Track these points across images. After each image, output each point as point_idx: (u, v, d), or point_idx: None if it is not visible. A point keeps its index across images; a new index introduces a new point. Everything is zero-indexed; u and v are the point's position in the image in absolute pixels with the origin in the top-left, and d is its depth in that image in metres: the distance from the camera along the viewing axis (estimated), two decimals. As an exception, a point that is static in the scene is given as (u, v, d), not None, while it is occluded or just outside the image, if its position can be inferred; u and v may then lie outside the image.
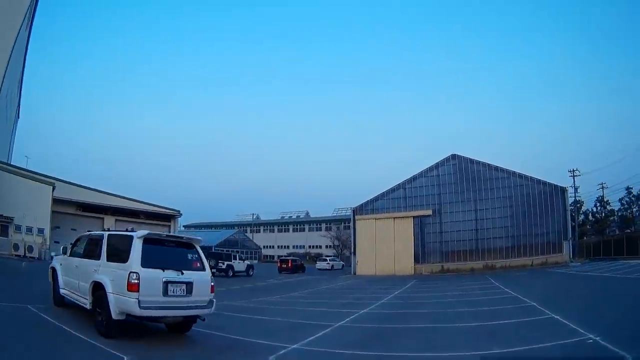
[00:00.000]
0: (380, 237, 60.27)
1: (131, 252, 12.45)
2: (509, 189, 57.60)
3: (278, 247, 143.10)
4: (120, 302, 11.87)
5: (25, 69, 70.71)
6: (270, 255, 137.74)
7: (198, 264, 13.84)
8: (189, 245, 14.30)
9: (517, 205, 56.86)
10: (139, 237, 12.83)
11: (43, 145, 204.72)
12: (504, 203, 57.46)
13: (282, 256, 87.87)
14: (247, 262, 59.60)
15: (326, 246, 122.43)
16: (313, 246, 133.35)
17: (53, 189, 47.07)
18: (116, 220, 61.33)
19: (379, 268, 58.73)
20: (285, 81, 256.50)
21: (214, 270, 45.74)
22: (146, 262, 12.31)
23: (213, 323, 14.95)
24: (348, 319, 18.14)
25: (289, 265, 69.79)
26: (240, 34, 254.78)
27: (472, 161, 60.49)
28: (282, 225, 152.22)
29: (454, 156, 61.75)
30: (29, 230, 44.50)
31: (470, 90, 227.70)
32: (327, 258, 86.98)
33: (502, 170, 58.92)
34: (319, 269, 77.83)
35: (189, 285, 12.83)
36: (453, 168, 60.89)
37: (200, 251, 14.27)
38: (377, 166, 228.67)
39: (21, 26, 44.40)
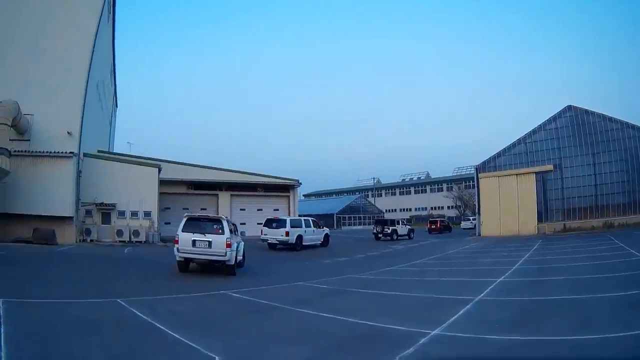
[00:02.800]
0: (503, 196, 57.65)
1: (180, 224, 22.15)
2: (625, 140, 54.07)
3: (400, 210, 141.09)
4: (175, 251, 21.87)
5: (116, 59, 71.32)
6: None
7: (220, 231, 21.67)
8: (215, 220, 22.74)
9: (633, 158, 53.27)
10: (184, 217, 22.74)
11: (151, 130, 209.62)
12: (620, 156, 54.03)
13: (432, 217, 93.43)
14: (408, 226, 63.04)
15: (448, 207, 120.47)
16: (435, 207, 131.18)
17: (159, 170, 46.58)
18: (231, 195, 61.13)
19: (503, 228, 56.45)
20: (401, 40, 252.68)
21: (380, 235, 56.37)
22: (184, 229, 21.70)
23: (338, 304, 15.15)
24: (486, 291, 16.39)
25: (437, 225, 75.39)
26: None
27: (587, 112, 57.19)
28: (403, 187, 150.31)
29: (569, 107, 58.66)
30: (134, 214, 44.15)
31: (584, 36, 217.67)
32: (470, 218, 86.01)
33: (618, 121, 55.30)
34: (464, 229, 79.58)
35: (209, 242, 21.30)
36: (570, 120, 57.71)
37: (225, 222, 22.16)
38: (496, 123, 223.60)
39: (101, 15, 44.28)
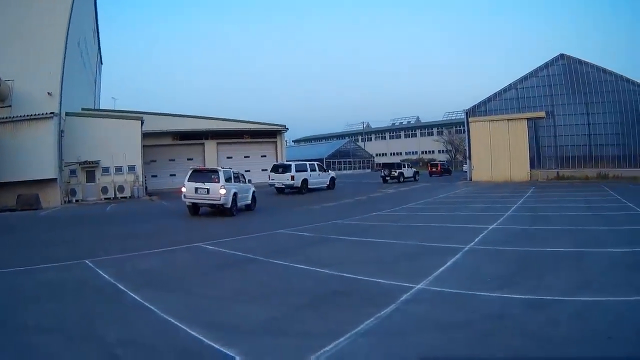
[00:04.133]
0: (494, 141, 55.76)
1: (186, 175, 26.32)
2: (618, 93, 52.27)
3: (390, 154, 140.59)
4: (183, 197, 26.06)
5: (98, 16, 69.87)
6: (383, 163, 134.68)
7: (216, 180, 24.84)
8: (214, 171, 26.12)
9: (627, 112, 51.68)
10: (190, 169, 27.33)
11: (137, 84, 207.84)
12: (614, 108, 52.42)
13: (432, 161, 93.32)
14: (413, 169, 65.78)
15: (439, 151, 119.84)
16: (425, 151, 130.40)
17: (142, 123, 45.41)
18: (218, 143, 60.16)
19: (495, 174, 54.93)
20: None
21: (387, 177, 59.07)
22: (189, 179, 25.60)
23: (318, 253, 14.33)
24: (477, 240, 15.19)
25: (438, 168, 78.25)
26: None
27: (580, 62, 55.16)
28: (393, 131, 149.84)
29: (562, 56, 56.50)
30: (119, 170, 43.29)
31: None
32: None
33: (612, 73, 53.30)
34: (465, 171, 77.22)
35: (207, 189, 24.92)
36: (562, 68, 55.76)
37: (220, 173, 25.36)
38: (488, 70, 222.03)
39: None
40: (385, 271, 11.26)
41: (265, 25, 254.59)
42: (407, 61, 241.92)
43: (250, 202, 28.81)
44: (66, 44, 40.54)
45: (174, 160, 57.88)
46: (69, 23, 40.84)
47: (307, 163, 46.02)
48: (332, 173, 49.92)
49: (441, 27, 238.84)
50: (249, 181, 31.10)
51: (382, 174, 60.86)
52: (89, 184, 42.24)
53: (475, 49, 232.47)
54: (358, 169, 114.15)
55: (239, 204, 26.87)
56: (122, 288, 10.37)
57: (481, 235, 16.24)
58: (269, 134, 63.84)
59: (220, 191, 24.64)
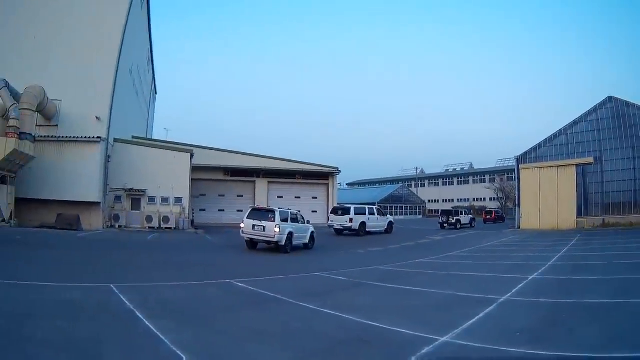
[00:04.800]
0: (543, 188, 55.11)
1: (245, 213, 28.53)
2: (666, 135, 50.79)
3: (442, 200, 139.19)
4: (241, 232, 27.87)
5: (154, 46, 71.27)
6: (435, 210, 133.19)
7: (272, 219, 26.60)
8: (270, 210, 27.99)
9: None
10: (249, 208, 29.79)
11: (190, 118, 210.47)
12: (661, 150, 50.84)
13: (487, 209, 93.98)
14: (470, 216, 65.98)
15: (490, 198, 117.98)
16: (477, 199, 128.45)
17: (191, 156, 45.54)
18: (269, 182, 60.03)
19: (542, 222, 53.93)
20: (435, 30, 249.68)
21: (445, 224, 59.53)
22: (248, 217, 27.53)
23: (347, 299, 13.99)
24: (514, 290, 14.60)
25: (492, 216, 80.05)
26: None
27: (628, 104, 54.36)
28: (446, 178, 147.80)
29: (610, 98, 55.79)
30: (165, 200, 43.44)
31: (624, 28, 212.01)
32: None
33: (660, 113, 52.04)
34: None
35: (263, 227, 26.58)
36: (611, 112, 54.98)
37: (277, 213, 27.10)
38: (539, 114, 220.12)
39: (130, 4, 43.44)
40: (413, 320, 10.86)
41: (324, 69, 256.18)
42: (462, 107, 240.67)
43: (308, 241, 30.39)
44: (117, 69, 41.13)
45: (223, 195, 58.08)
46: (121, 49, 41.54)
47: (367, 207, 47.32)
48: (390, 218, 50.46)
49: (494, 75, 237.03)
50: (308, 222, 32.07)
51: (440, 220, 61.81)
52: (134, 211, 42.46)
53: (529, 94, 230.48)
54: (410, 214, 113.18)
55: (295, 242, 28.38)
56: (139, 315, 10.41)
57: (520, 285, 15.67)
58: (321, 176, 63.33)
59: (275, 229, 26.37)
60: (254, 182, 59.46)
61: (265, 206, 33.22)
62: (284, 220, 27.39)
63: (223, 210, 57.12)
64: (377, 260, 24.85)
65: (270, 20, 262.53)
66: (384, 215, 49.30)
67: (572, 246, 31.35)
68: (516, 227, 57.28)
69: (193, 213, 49.00)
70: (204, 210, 55.54)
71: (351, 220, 43.37)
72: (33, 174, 36.48)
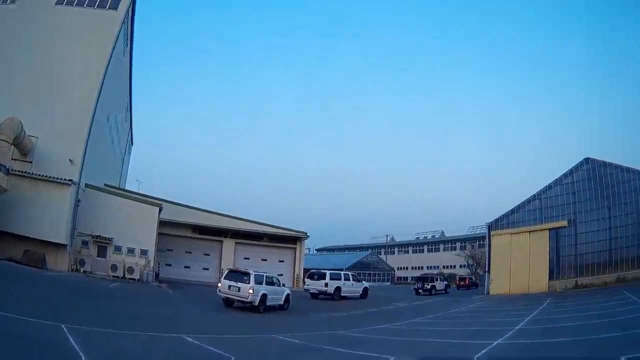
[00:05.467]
0: (515, 253, 54.81)
1: (223, 274, 31.41)
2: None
3: (412, 268, 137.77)
4: (218, 291, 29.31)
5: (133, 96, 71.75)
6: (404, 277, 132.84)
7: (247, 281, 27.94)
8: (245, 273, 29.04)
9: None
10: (227, 269, 32.92)
11: (164, 172, 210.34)
12: (637, 207, 50.06)
13: (459, 275, 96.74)
14: (445, 282, 68.02)
15: (460, 266, 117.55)
16: (447, 266, 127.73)
17: (160, 210, 45.54)
18: (236, 242, 59.73)
19: (512, 286, 53.36)
20: (396, 96, 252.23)
21: (420, 290, 60.48)
22: (225, 277, 29.36)
23: None
24: (477, 356, 13.65)
25: (466, 282, 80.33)
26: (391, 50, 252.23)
27: (605, 164, 53.99)
28: (417, 245, 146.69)
29: (587, 160, 55.69)
30: (131, 251, 43.23)
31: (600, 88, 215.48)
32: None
33: (636, 172, 51.50)
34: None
35: (238, 288, 27.95)
36: (587, 173, 54.59)
37: (252, 276, 28.36)
38: (512, 181, 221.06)
39: (114, 46, 43.74)
40: None
41: (294, 133, 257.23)
42: (435, 175, 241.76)
43: (283, 302, 31.98)
44: (94, 114, 41.23)
45: (190, 252, 57.57)
46: (99, 94, 41.63)
47: (342, 272, 48.65)
48: (365, 283, 50.64)
49: (467, 142, 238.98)
50: (283, 285, 34.53)
51: (416, 286, 62.94)
52: (100, 258, 42.14)
53: (501, 160, 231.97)
54: (378, 281, 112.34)
55: (270, 303, 29.95)
56: (82, 356, 10.46)
57: (483, 351, 14.79)
58: (289, 240, 63.24)
59: (249, 291, 27.87)
60: (221, 241, 59.27)
61: (242, 269, 32.30)
62: (259, 282, 29.00)
63: (189, 267, 56.82)
64: (343, 324, 24.81)
65: (245, 77, 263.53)
66: (359, 281, 49.58)
67: (542, 309, 30.96)
68: (485, 292, 56.83)
69: (159, 267, 48.91)
70: (169, 265, 54.87)
71: (326, 284, 43.97)
72: (3, 207, 36.02)
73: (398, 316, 31.25)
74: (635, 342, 14.29)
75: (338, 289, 44.50)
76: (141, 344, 14.12)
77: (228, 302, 29.58)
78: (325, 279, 44.35)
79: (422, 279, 66.39)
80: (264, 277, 30.18)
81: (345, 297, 45.01)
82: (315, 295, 44.50)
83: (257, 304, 28.31)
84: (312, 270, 48.63)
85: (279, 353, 15.41)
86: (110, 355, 11.72)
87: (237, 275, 29.41)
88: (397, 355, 14.75)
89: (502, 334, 18.72)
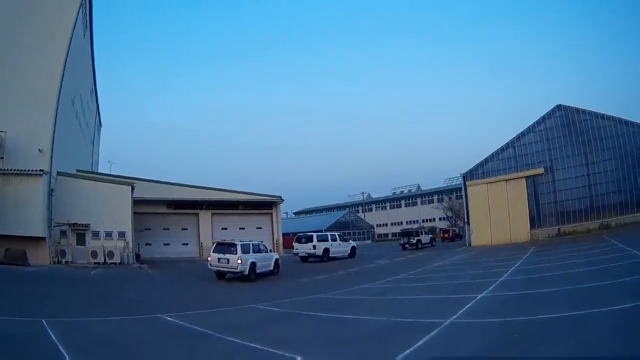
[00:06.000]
0: (493, 203, 55.06)
1: (211, 248, 31.50)
2: (618, 137, 50.66)
3: (391, 224, 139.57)
4: (209, 265, 30.55)
5: (97, 78, 70.99)
6: (384, 234, 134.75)
7: (235, 252, 28.96)
8: (232, 244, 29.85)
9: (628, 156, 49.88)
10: (214, 243, 33.00)
11: (135, 151, 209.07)
12: (614, 154, 50.60)
13: (443, 228, 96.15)
14: (430, 235, 68.88)
15: (440, 218, 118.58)
16: (426, 219, 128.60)
17: (132, 189, 44.87)
18: (212, 214, 59.56)
19: (494, 237, 53.54)
20: (388, 46, 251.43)
21: (407, 245, 61.61)
22: (214, 251, 30.25)
23: (275, 332, 13.32)
24: (461, 312, 13.53)
25: (450, 234, 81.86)
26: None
27: (578, 111, 54.04)
28: (394, 201, 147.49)
29: (559, 107, 55.48)
30: (109, 235, 42.60)
31: (570, 35, 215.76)
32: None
33: (610, 118, 51.92)
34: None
35: (227, 259, 29.13)
36: (560, 120, 54.63)
37: (238, 246, 29.27)
38: (486, 129, 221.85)
39: (73, 30, 42.90)
40: (338, 355, 10.15)
41: (265, 96, 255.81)
42: (406, 128, 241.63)
43: (272, 268, 33.63)
44: (58, 100, 40.36)
45: (168, 229, 57.28)
46: (62, 79, 40.75)
47: (329, 233, 50.53)
48: (352, 243, 51.87)
49: (438, 90, 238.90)
50: (271, 250, 37.43)
51: (402, 242, 63.76)
52: (79, 246, 41.34)
53: (473, 110, 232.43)
54: (358, 240, 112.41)
55: (260, 270, 31.29)
56: (61, 349, 10.52)
57: (467, 305, 14.63)
58: (265, 205, 63.34)
59: (237, 261, 28.98)
60: (197, 214, 58.97)
61: (228, 240, 33.08)
62: (246, 252, 30.07)
63: (168, 244, 56.43)
64: (327, 286, 24.89)
65: (216, 43, 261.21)
66: (346, 241, 51.00)
67: (526, 259, 30.86)
68: (467, 244, 56.97)
69: (139, 247, 48.65)
70: (149, 244, 54.32)
71: (314, 247, 45.57)
72: None
73: (381, 274, 31.15)
74: (623, 291, 13.94)
75: (326, 250, 45.96)
76: (119, 328, 14.20)
77: (220, 275, 30.80)
78: (312, 241, 45.99)
79: (408, 233, 66.66)
80: (251, 246, 31.16)
81: (334, 258, 46.22)
82: (304, 259, 45.86)
83: (247, 273, 29.50)
84: (299, 234, 49.75)
85: (260, 322, 15.22)
86: (88, 343, 11.77)
87: (225, 247, 30.40)
88: (378, 315, 14.82)
89: (487, 287, 18.58)
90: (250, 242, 32.03)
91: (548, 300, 14.52)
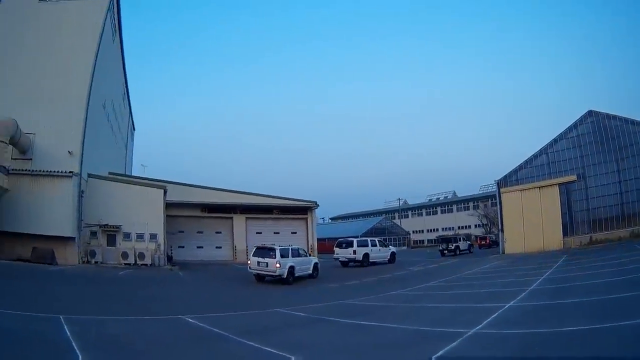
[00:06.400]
0: (526, 210, 54.42)
1: (251, 252, 33.16)
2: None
3: (427, 230, 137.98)
4: (248, 268, 31.96)
5: (129, 82, 71.71)
6: (420, 240, 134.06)
7: (274, 256, 30.22)
8: (271, 249, 31.07)
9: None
10: (254, 247, 33.83)
11: (169, 154, 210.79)
12: (647, 160, 50.05)
13: (480, 235, 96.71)
14: (468, 242, 69.54)
15: (475, 225, 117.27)
16: (462, 227, 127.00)
17: (165, 192, 45.31)
18: (247, 218, 59.39)
19: (527, 244, 52.96)
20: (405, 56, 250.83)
21: (445, 251, 63.18)
22: (254, 255, 31.63)
23: (295, 337, 13.26)
24: (486, 322, 13.25)
25: (487, 242, 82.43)
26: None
27: (609, 117, 53.34)
28: (430, 207, 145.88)
29: (590, 113, 55.02)
30: (140, 237, 43.01)
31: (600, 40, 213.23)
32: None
33: (641, 123, 51.43)
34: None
35: (266, 263, 30.35)
36: (592, 126, 54.05)
37: (277, 250, 30.61)
38: (520, 136, 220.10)
39: (102, 33, 43.84)
40: None
41: (303, 103, 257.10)
42: (443, 135, 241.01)
43: (311, 272, 34.70)
44: (88, 103, 40.88)
45: (202, 232, 57.27)
46: (91, 82, 41.39)
47: (369, 239, 50.62)
48: (392, 248, 53.12)
49: (473, 100, 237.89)
50: (310, 254, 39.02)
51: (440, 248, 65.46)
52: (110, 247, 41.82)
53: (507, 118, 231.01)
54: (394, 246, 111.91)
55: (298, 274, 32.52)
56: (74, 346, 10.54)
57: (493, 315, 14.32)
58: (300, 210, 62.73)
59: (275, 265, 30.29)
60: (231, 218, 58.77)
61: (268, 244, 33.92)
62: (284, 256, 31.30)
63: (202, 247, 56.44)
64: (362, 291, 25.15)
65: (251, 52, 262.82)
66: (386, 247, 51.77)
67: (557, 267, 30.37)
68: (500, 252, 56.51)
69: (171, 250, 48.89)
70: (182, 247, 54.45)
71: (355, 252, 46.16)
72: (7, 207, 36.02)
73: (412, 280, 31.32)
74: None
75: (366, 255, 46.55)
76: (136, 328, 14.27)
77: (259, 278, 31.98)
78: (353, 246, 46.57)
79: (446, 240, 68.07)
80: (290, 250, 32.50)
81: (374, 263, 46.85)
82: (345, 264, 46.67)
83: (285, 276, 30.64)
84: (339, 239, 50.43)
85: (282, 326, 15.28)
86: (102, 341, 11.81)
87: (264, 251, 31.64)
88: (402, 323, 14.51)
89: (516, 296, 18.26)
90: (290, 247, 33.31)
91: (576, 311, 14.12)
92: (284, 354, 10.44)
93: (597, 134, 53.08)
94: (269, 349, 11.02)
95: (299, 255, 33.92)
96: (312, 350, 11.06)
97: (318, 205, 63.57)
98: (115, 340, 12.09)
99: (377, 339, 12.47)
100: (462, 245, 65.52)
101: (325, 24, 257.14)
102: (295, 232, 61.44)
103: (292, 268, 31.43)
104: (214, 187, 58.35)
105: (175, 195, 47.92)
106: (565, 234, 51.92)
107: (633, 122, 51.33)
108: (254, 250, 32.93)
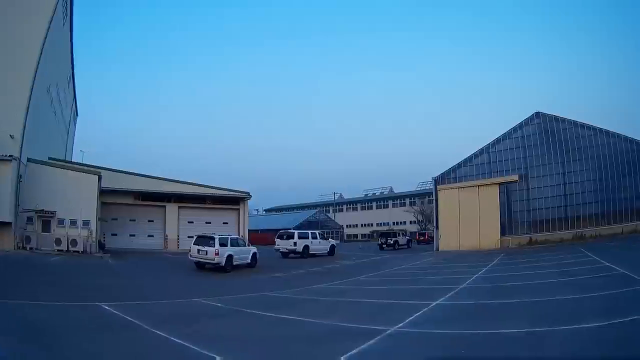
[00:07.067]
0: (464, 209, 54.91)
1: (192, 239, 33.71)
2: (598, 147, 50.57)
3: (361, 225, 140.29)
4: (189, 256, 32.65)
5: (75, 68, 70.11)
6: (353, 235, 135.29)
7: (213, 244, 31.00)
8: (211, 238, 31.84)
9: (607, 166, 49.76)
10: (195, 236, 34.09)
11: (110, 140, 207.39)
12: (593, 164, 50.48)
13: (419, 231, 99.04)
14: (407, 237, 72.83)
15: (410, 222, 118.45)
16: (397, 222, 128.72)
17: (99, 178, 44.32)
18: (179, 207, 58.55)
19: (463, 242, 53.52)
20: (354, 54, 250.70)
21: (384, 245, 64.85)
22: (195, 243, 32.35)
23: (212, 329, 13.12)
24: (410, 319, 12.78)
25: (426, 237, 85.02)
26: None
27: (557, 119, 53.88)
28: (365, 202, 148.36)
29: (537, 114, 55.41)
30: (73, 223, 42.08)
31: (551, 43, 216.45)
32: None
33: (590, 127, 51.84)
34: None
35: (205, 251, 31.10)
36: (538, 128, 54.57)
37: (216, 239, 31.40)
38: (462, 134, 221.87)
39: (52, 17, 42.55)
40: (262, 356, 9.81)
41: (241, 94, 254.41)
42: (381, 130, 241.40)
43: (250, 261, 35.35)
44: (32, 87, 39.91)
45: (134, 220, 56.49)
46: (38, 65, 40.45)
47: (309, 231, 52.62)
48: (332, 241, 54.78)
49: (415, 92, 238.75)
50: (249, 244, 39.30)
51: (379, 242, 67.43)
52: (45, 233, 41.04)
53: (449, 115, 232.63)
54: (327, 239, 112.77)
55: (237, 263, 33.29)
56: None
57: (418, 313, 13.81)
58: (232, 201, 62.36)
59: (214, 253, 31.07)
60: (164, 206, 58.10)
61: (208, 233, 35.34)
62: (223, 244, 32.26)
63: (134, 235, 55.76)
64: (291, 283, 25.90)
65: (190, 38, 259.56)
66: (326, 239, 53.47)
67: (493, 266, 30.54)
68: (435, 249, 56.95)
69: (104, 237, 48.64)
70: (115, 234, 53.76)
71: (295, 244, 47.50)
72: None
73: (343, 273, 31.79)
74: (591, 308, 13.08)
75: (306, 247, 48.03)
76: (50, 313, 13.86)
77: (200, 265, 32.79)
78: (294, 238, 48.03)
79: (386, 234, 69.77)
80: (229, 239, 33.55)
81: (314, 255, 48.13)
82: (285, 254, 48.01)
83: (223, 264, 31.58)
84: (281, 231, 53.11)
85: (197, 317, 14.75)
86: (18, 327, 11.54)
87: (204, 239, 32.63)
88: (323, 318, 14.02)
89: (444, 294, 17.81)
90: (229, 236, 34.63)
91: (507, 312, 13.72)
92: (187, 344, 10.25)
93: (543, 135, 53.91)
94: (178, 341, 10.68)
95: (237, 244, 34.80)
96: (224, 343, 10.73)
97: (251, 196, 63.61)
98: (30, 326, 11.90)
99: (292, 333, 12.12)
100: (401, 240, 67.24)
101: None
102: (227, 223, 61.25)
103: (230, 257, 32.33)
104: (148, 174, 57.79)
105: (109, 182, 47.33)
106: (503, 233, 52.65)
107: (582, 125, 52.23)
108: (195, 238, 33.88)
